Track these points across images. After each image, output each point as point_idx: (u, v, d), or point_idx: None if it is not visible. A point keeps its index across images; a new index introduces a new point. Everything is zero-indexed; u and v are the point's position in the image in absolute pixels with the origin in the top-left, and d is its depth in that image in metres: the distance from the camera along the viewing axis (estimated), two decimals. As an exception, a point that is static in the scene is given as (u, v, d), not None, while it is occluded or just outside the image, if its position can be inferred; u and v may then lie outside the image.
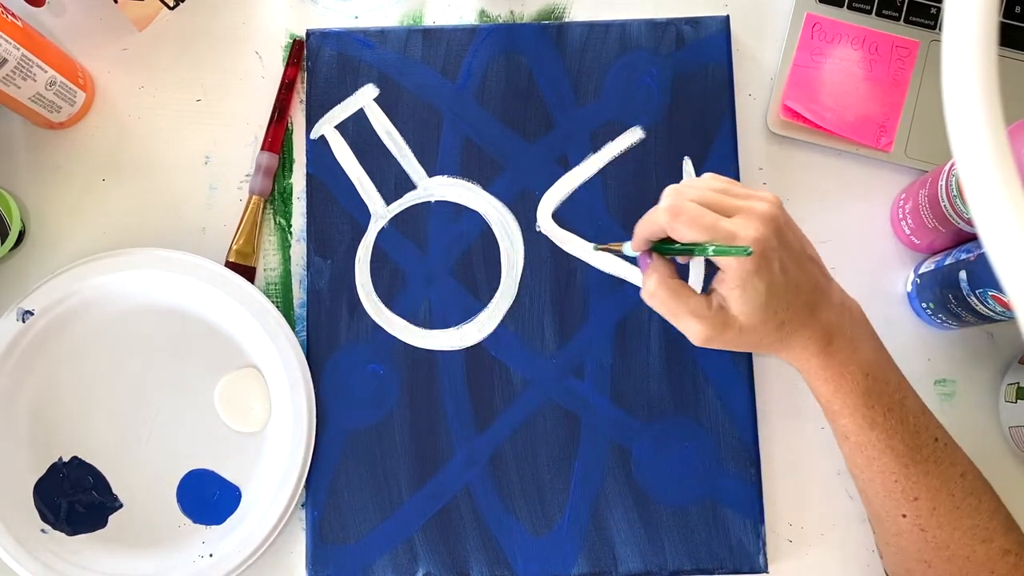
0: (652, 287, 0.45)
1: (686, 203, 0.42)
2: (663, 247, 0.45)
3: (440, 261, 0.58)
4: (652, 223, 0.44)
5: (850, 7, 0.59)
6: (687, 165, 0.58)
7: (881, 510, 0.46)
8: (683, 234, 0.42)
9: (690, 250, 0.43)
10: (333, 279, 0.57)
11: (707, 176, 0.45)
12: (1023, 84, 0.58)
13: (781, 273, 0.43)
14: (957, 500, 0.45)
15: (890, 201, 0.59)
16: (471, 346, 0.57)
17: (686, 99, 0.59)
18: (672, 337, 0.57)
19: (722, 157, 0.58)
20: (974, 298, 0.50)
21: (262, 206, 0.59)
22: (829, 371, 0.45)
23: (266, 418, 0.56)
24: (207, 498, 0.56)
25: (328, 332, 0.57)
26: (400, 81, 0.59)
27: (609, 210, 0.58)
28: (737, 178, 0.58)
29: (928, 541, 0.45)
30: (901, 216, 0.57)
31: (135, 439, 0.56)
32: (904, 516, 0.45)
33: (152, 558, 0.55)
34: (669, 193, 0.43)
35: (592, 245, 0.56)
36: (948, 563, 0.45)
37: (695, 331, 0.44)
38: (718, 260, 0.42)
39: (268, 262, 0.59)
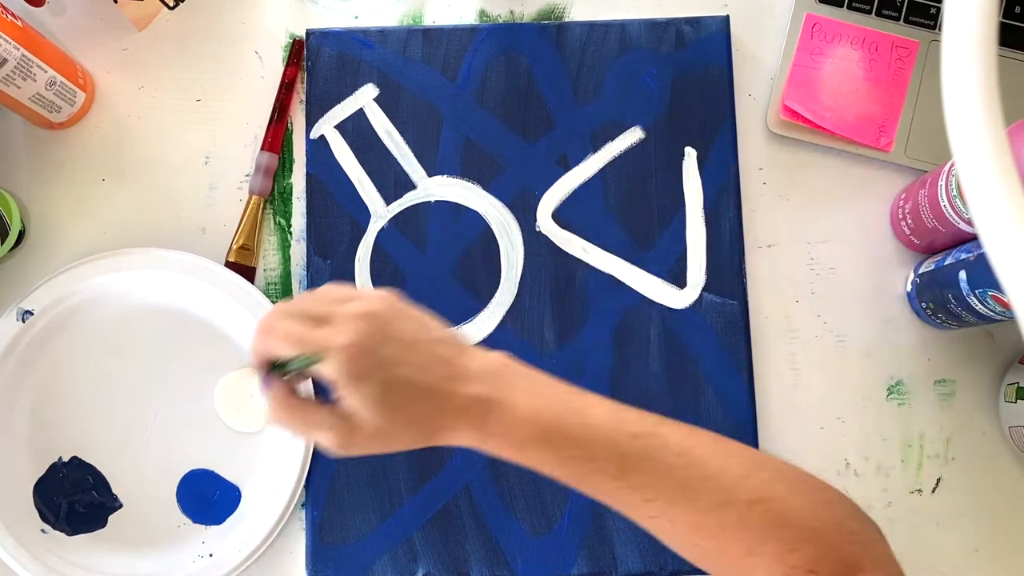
0: (273, 411, 0.43)
1: (278, 320, 0.41)
2: (277, 369, 0.43)
3: (440, 261, 0.58)
4: (255, 343, 0.43)
5: (850, 7, 0.59)
6: (689, 155, 0.58)
7: (643, 523, 0.43)
8: (280, 351, 0.41)
9: (281, 368, 0.42)
10: (333, 279, 0.57)
11: (325, 287, 0.44)
12: (1023, 84, 0.58)
13: (392, 368, 0.40)
14: (686, 483, 0.42)
15: (890, 201, 0.59)
16: (471, 346, 0.57)
17: (686, 99, 0.59)
18: (672, 337, 0.57)
19: (722, 157, 0.58)
20: (974, 298, 0.50)
21: (262, 206, 0.59)
22: (500, 441, 0.42)
23: (266, 418, 0.56)
24: (207, 498, 0.56)
25: (328, 332, 0.57)
26: (400, 81, 0.59)
27: (609, 210, 0.58)
28: (737, 179, 0.58)
29: (683, 528, 0.42)
30: (901, 216, 0.57)
31: (135, 439, 0.56)
32: (653, 518, 0.42)
33: (152, 558, 0.55)
34: (269, 311, 0.43)
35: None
36: (708, 540, 0.42)
37: (327, 441, 0.42)
38: (314, 373, 0.41)
39: (268, 262, 0.59)
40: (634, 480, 0.42)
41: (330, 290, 0.43)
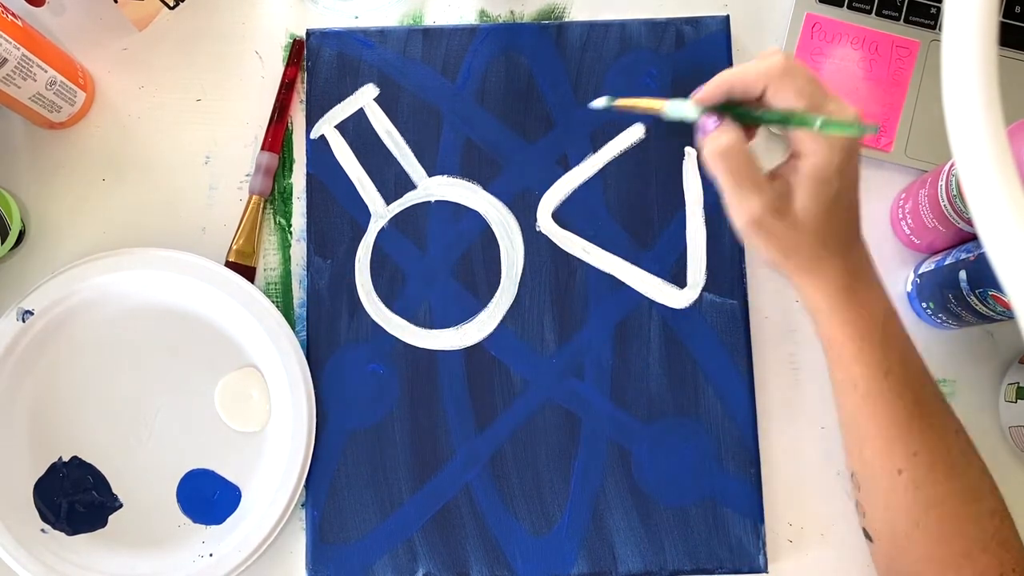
0: (725, 146, 0.40)
1: (801, 65, 0.40)
2: (739, 112, 0.41)
3: (440, 261, 0.58)
4: (749, 73, 0.41)
5: (850, 7, 0.59)
6: (689, 155, 0.58)
7: (877, 465, 0.44)
8: (787, 97, 0.40)
9: (785, 119, 0.40)
10: (333, 279, 0.58)
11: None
12: (1023, 84, 0.58)
13: (852, 187, 0.41)
14: (953, 457, 0.44)
15: (890, 201, 0.59)
16: (471, 346, 0.57)
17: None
18: (672, 337, 0.57)
19: (722, 157, 0.58)
20: (974, 298, 0.50)
21: (262, 206, 0.59)
22: (850, 312, 0.43)
23: (266, 418, 0.56)
24: (207, 498, 0.56)
25: (328, 332, 0.57)
26: (400, 81, 0.59)
27: (609, 210, 0.58)
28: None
29: (920, 499, 0.43)
30: (901, 216, 0.57)
31: (135, 439, 0.56)
32: (900, 472, 0.44)
33: (152, 558, 0.55)
34: (778, 50, 0.41)
35: (605, 98, 0.48)
36: (938, 523, 0.43)
37: (752, 205, 0.41)
38: (805, 141, 0.39)
39: (268, 262, 0.59)
40: (917, 431, 0.43)
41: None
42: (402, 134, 0.59)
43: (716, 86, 0.42)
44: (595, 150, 0.59)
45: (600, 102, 0.48)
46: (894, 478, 0.44)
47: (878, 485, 0.45)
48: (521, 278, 0.58)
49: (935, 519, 0.43)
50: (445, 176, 0.59)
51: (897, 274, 0.58)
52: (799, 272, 0.44)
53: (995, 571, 0.43)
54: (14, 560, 0.53)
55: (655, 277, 0.57)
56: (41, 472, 0.55)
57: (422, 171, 0.59)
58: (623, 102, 0.46)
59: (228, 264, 0.57)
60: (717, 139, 0.41)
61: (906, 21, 0.59)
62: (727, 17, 0.60)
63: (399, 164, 0.59)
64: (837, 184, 0.40)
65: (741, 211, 0.42)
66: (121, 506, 0.56)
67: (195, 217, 0.59)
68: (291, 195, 0.59)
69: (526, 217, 0.58)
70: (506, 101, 0.59)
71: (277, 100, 0.60)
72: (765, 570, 0.55)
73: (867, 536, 0.47)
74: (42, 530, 0.55)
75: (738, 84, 0.41)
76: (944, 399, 0.45)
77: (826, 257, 0.43)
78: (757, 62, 0.41)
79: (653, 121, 0.58)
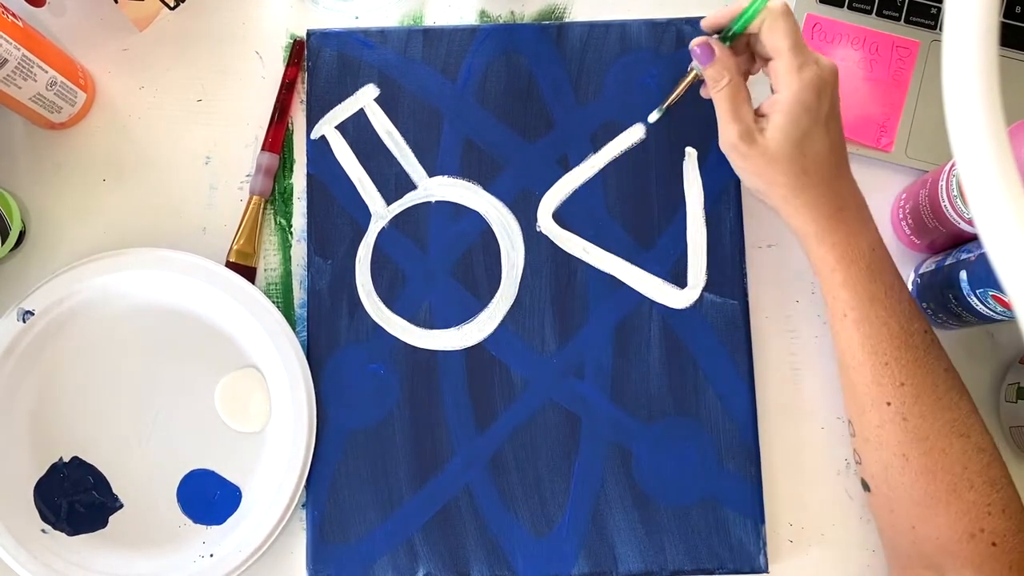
0: (725, 76, 0.47)
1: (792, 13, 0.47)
2: (727, 33, 0.49)
3: (440, 261, 0.58)
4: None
5: (850, 7, 0.59)
6: (689, 155, 0.58)
7: (866, 399, 0.47)
8: (775, 35, 0.46)
9: (739, 19, 0.48)
10: (333, 279, 0.58)
11: None
12: (1023, 84, 0.58)
13: (825, 123, 0.46)
14: (940, 392, 0.46)
15: (890, 201, 0.59)
16: (471, 346, 0.57)
17: (686, 99, 0.59)
18: (672, 337, 0.57)
19: (722, 157, 0.58)
20: (974, 298, 0.50)
21: (262, 206, 0.59)
22: (837, 235, 0.47)
23: (266, 418, 0.56)
24: (207, 498, 0.56)
25: (328, 332, 0.57)
26: (400, 81, 0.59)
27: (609, 210, 0.58)
28: (737, 178, 0.58)
29: (908, 431, 0.46)
30: (901, 216, 0.57)
31: (135, 439, 0.56)
32: (889, 404, 0.46)
33: (152, 558, 0.55)
34: None
35: (655, 111, 0.56)
36: (925, 456, 0.46)
37: (730, 132, 0.47)
38: (779, 79, 0.46)
39: (268, 262, 0.59)
40: (904, 361, 0.46)
41: None
42: (402, 134, 0.59)
43: (720, 15, 0.49)
44: (595, 150, 0.59)
45: (653, 116, 0.56)
46: (882, 411, 0.46)
47: (868, 421, 0.47)
48: (521, 278, 0.58)
49: (922, 452, 0.45)
50: (445, 176, 0.59)
51: (897, 274, 0.58)
52: (782, 201, 0.48)
53: (981, 508, 0.44)
54: (14, 560, 0.53)
55: (655, 277, 0.57)
56: (42, 472, 0.55)
57: (422, 171, 0.59)
58: (669, 101, 0.54)
59: (228, 264, 0.57)
60: (719, 67, 0.48)
61: (906, 21, 0.59)
62: (727, 17, 0.60)
63: (399, 164, 0.59)
64: (807, 120, 0.46)
65: (722, 135, 0.49)
66: (121, 506, 0.56)
67: (195, 217, 0.59)
68: (291, 195, 0.59)
69: (526, 217, 0.58)
70: (506, 101, 0.59)
71: (277, 100, 0.60)
72: (766, 570, 0.55)
73: (864, 486, 0.49)
74: (42, 530, 0.55)
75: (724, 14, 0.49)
76: (934, 337, 0.48)
77: (809, 186, 0.47)
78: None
79: (653, 122, 0.58)
